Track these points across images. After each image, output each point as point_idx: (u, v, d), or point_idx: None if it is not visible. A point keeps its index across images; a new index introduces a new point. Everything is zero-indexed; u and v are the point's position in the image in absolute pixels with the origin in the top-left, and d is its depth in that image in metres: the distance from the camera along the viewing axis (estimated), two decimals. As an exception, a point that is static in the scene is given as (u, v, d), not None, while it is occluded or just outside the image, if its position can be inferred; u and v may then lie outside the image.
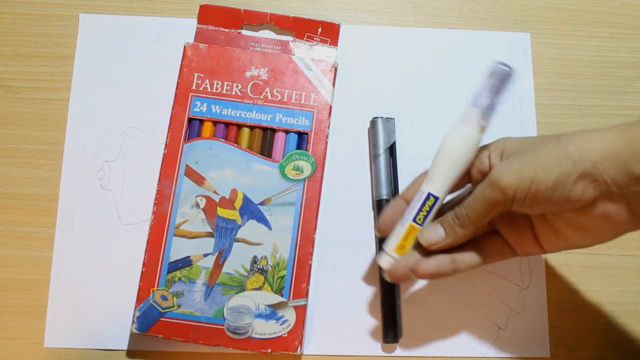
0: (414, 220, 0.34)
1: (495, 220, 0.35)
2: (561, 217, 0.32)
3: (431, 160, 0.34)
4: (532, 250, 0.34)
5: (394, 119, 0.42)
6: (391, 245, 0.35)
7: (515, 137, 0.34)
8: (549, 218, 0.33)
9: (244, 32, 0.43)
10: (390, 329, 0.39)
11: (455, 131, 0.33)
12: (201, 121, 0.41)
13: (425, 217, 0.34)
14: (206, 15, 0.43)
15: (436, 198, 0.34)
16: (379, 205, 0.41)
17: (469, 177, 0.35)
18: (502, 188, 0.30)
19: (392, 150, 0.41)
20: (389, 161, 0.41)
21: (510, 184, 0.30)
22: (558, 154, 0.30)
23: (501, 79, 0.33)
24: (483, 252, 0.35)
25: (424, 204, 0.34)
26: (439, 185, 0.34)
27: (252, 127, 0.41)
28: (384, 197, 0.40)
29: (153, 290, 0.38)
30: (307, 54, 0.43)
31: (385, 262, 0.35)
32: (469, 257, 0.34)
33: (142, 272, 0.38)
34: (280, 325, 0.38)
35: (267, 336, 0.38)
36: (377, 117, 0.42)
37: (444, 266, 0.34)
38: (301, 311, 0.38)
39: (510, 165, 0.31)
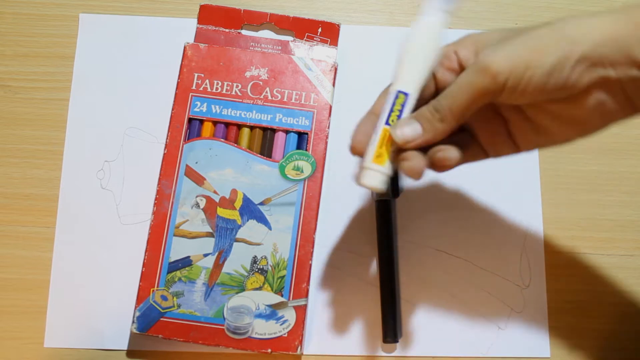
0: (387, 122, 0.30)
1: (468, 121, 0.31)
2: (544, 110, 0.29)
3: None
4: (505, 150, 0.32)
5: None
6: (368, 157, 0.30)
7: (491, 31, 0.30)
8: (528, 113, 0.30)
9: (244, 32, 0.43)
10: (390, 328, 0.39)
11: (416, 23, 0.30)
12: (201, 121, 0.41)
13: (399, 117, 0.30)
14: (206, 15, 0.43)
15: (406, 94, 0.30)
16: (379, 206, 0.41)
17: (435, 85, 0.31)
18: (494, 73, 0.27)
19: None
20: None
21: (503, 69, 0.27)
22: (555, 36, 0.27)
23: None
24: (453, 150, 0.31)
25: (394, 104, 0.30)
26: (406, 81, 0.30)
27: (252, 127, 0.41)
28: (384, 197, 0.40)
29: (153, 290, 0.38)
30: (307, 54, 0.43)
31: (367, 178, 0.30)
32: (444, 152, 0.30)
33: (142, 272, 0.38)
34: (280, 325, 0.38)
35: (267, 336, 0.38)
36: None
37: (421, 162, 0.30)
38: (301, 311, 0.38)
39: (503, 48, 0.27)
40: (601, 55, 0.27)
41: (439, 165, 0.30)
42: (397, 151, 0.30)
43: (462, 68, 0.30)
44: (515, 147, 0.31)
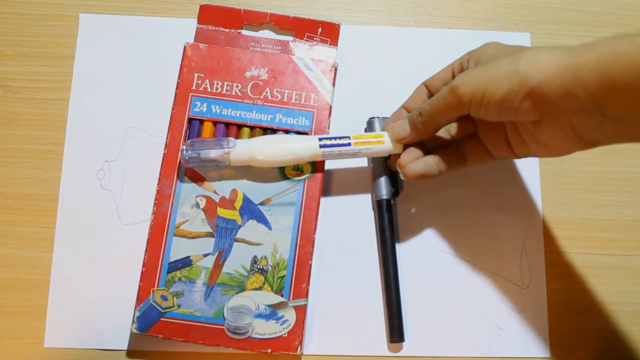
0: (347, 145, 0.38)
1: (477, 124, 0.37)
2: (522, 126, 0.33)
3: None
4: (506, 154, 0.36)
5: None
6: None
7: (498, 43, 0.35)
8: (516, 127, 0.34)
9: (244, 32, 0.43)
10: (396, 328, 0.39)
11: None
12: (201, 121, 0.41)
13: (338, 138, 0.38)
14: (206, 15, 0.43)
15: (321, 139, 0.37)
16: (379, 205, 0.41)
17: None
18: (459, 95, 0.32)
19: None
20: (388, 161, 0.41)
21: (465, 93, 0.32)
22: (509, 69, 0.30)
23: None
24: (465, 154, 0.37)
25: (332, 148, 0.38)
26: (309, 149, 0.38)
27: (252, 127, 0.41)
28: (384, 197, 0.40)
29: (153, 290, 0.38)
30: (307, 54, 0.43)
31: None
32: (452, 158, 0.37)
33: (142, 272, 0.38)
34: (280, 325, 0.38)
35: (267, 336, 0.38)
36: (373, 117, 0.42)
37: (430, 167, 0.36)
38: (301, 311, 0.38)
39: (470, 74, 0.32)
40: (545, 93, 0.29)
41: (408, 177, 0.37)
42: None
43: (453, 76, 0.36)
44: (513, 153, 0.35)
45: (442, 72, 0.38)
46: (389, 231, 0.40)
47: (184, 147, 0.36)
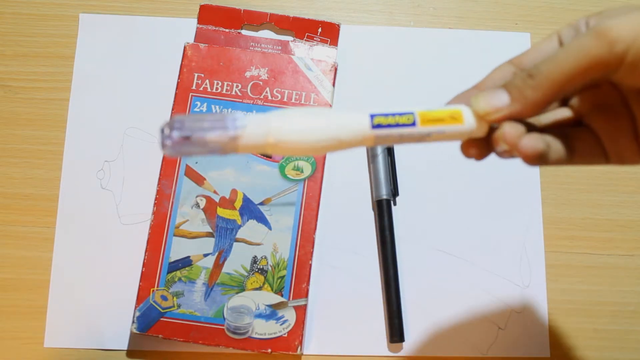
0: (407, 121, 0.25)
1: (585, 112, 0.27)
2: None
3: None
4: (629, 153, 0.26)
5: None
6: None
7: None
8: None
9: (244, 32, 0.43)
10: (396, 328, 0.39)
11: None
12: (201, 121, 0.41)
13: (397, 113, 0.25)
14: (206, 15, 0.43)
15: (374, 114, 0.25)
16: (379, 205, 0.41)
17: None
18: (612, 40, 0.22)
19: (390, 149, 0.41)
20: (388, 160, 0.41)
21: (624, 37, 0.22)
22: None
23: None
24: (571, 145, 0.26)
25: (387, 126, 0.25)
26: (358, 125, 0.25)
27: (252, 127, 0.41)
28: (384, 196, 0.40)
29: (153, 290, 0.38)
30: (307, 54, 0.43)
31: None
32: (558, 146, 0.25)
33: (142, 272, 0.38)
34: (280, 325, 0.38)
35: (267, 336, 0.38)
36: (377, 117, 0.41)
37: (550, 146, 0.25)
38: (301, 311, 0.38)
39: (628, 15, 0.22)
40: None
41: (525, 155, 0.24)
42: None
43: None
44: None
45: (539, 45, 0.27)
46: (389, 231, 0.40)
47: (166, 125, 0.23)
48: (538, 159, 0.24)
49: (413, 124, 0.25)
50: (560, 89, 0.23)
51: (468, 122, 0.25)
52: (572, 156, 0.26)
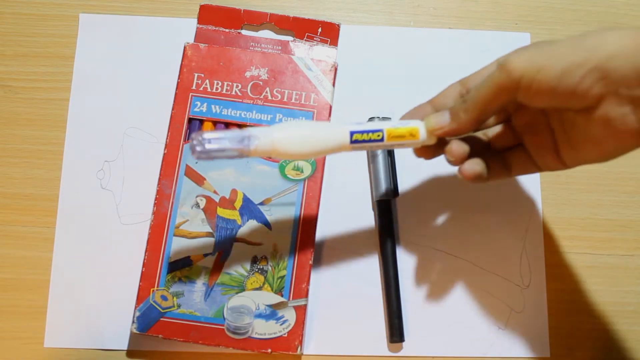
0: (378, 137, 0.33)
1: (520, 131, 0.34)
2: (565, 120, 0.31)
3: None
4: (553, 164, 0.33)
5: (390, 118, 0.42)
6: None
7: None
8: (565, 126, 0.31)
9: (244, 32, 0.43)
10: (396, 328, 0.39)
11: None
12: (201, 121, 0.41)
13: (371, 128, 0.33)
14: (206, 15, 0.43)
15: (353, 126, 0.33)
16: (379, 206, 0.41)
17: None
18: (509, 70, 0.29)
19: (390, 149, 0.41)
20: (388, 160, 0.41)
21: (518, 67, 0.29)
22: (573, 45, 0.28)
23: None
24: (509, 164, 0.34)
25: (362, 139, 0.33)
26: (338, 136, 0.33)
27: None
28: (384, 197, 0.40)
29: (153, 290, 0.38)
30: (307, 54, 0.43)
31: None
32: (497, 167, 0.34)
33: (142, 272, 0.38)
34: (280, 325, 0.38)
35: (267, 336, 0.38)
36: (373, 117, 0.42)
37: (483, 169, 0.33)
38: (301, 311, 0.38)
39: (523, 51, 0.29)
40: (614, 68, 0.27)
41: (466, 176, 0.33)
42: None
43: None
44: (562, 162, 0.33)
45: (483, 69, 0.35)
46: (389, 231, 0.40)
47: (196, 140, 0.31)
48: (476, 179, 0.33)
49: (382, 139, 0.33)
50: (484, 110, 0.31)
51: (422, 136, 0.33)
52: (510, 171, 0.34)
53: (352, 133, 0.32)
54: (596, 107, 0.28)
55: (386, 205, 0.40)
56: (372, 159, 0.42)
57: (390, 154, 0.41)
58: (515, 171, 0.35)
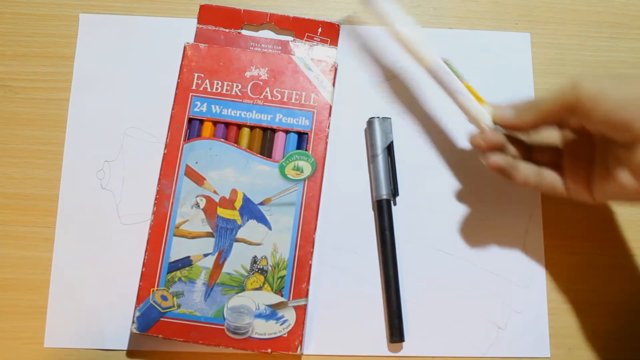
0: (460, 82, 0.38)
1: (564, 151, 0.37)
2: (614, 155, 0.33)
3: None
4: (581, 192, 0.36)
5: (390, 118, 0.42)
6: (474, 107, 0.37)
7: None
8: (607, 158, 0.34)
9: (244, 32, 0.43)
10: (396, 328, 0.39)
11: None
12: (201, 121, 0.41)
13: (460, 73, 0.38)
14: (206, 15, 0.43)
15: (448, 60, 0.38)
16: (379, 205, 0.41)
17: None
18: (579, 89, 0.32)
19: (390, 149, 0.41)
20: (388, 161, 0.41)
21: (587, 89, 0.32)
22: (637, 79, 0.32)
23: None
24: (540, 175, 0.37)
25: (451, 70, 0.38)
26: (435, 52, 0.38)
27: (252, 127, 0.41)
28: (384, 197, 0.40)
29: (153, 290, 0.38)
30: (307, 54, 0.43)
31: (496, 110, 0.37)
32: (529, 170, 0.37)
33: (142, 272, 0.38)
34: (280, 325, 0.38)
35: (267, 336, 0.38)
36: (373, 117, 0.42)
37: (508, 162, 0.36)
38: (301, 311, 0.38)
39: (596, 77, 0.32)
40: None
41: (487, 163, 0.36)
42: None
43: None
44: (590, 192, 0.36)
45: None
46: (389, 231, 0.40)
47: None
48: (498, 171, 0.36)
49: (461, 80, 0.37)
50: (544, 118, 0.34)
51: (486, 115, 0.37)
52: (540, 185, 0.37)
53: (444, 60, 0.38)
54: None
55: (386, 205, 0.40)
56: (372, 159, 0.42)
57: (390, 154, 0.41)
58: (545, 186, 0.37)
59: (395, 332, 0.39)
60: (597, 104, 0.32)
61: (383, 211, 0.40)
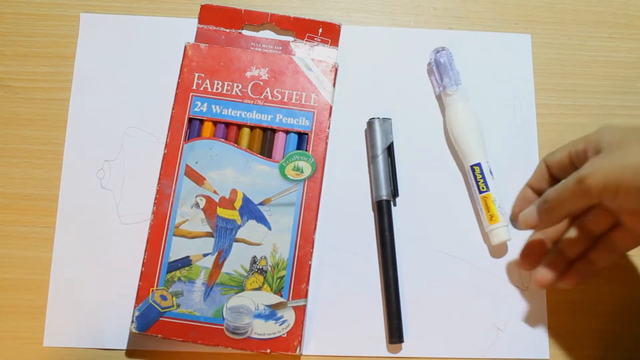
0: (480, 192, 0.40)
1: (617, 212, 0.35)
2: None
3: (453, 142, 0.41)
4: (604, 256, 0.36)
5: (390, 119, 0.42)
6: (485, 223, 0.40)
7: (614, 127, 0.33)
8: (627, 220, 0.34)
9: (244, 32, 0.43)
10: (396, 329, 0.39)
11: (457, 109, 0.41)
12: (201, 121, 0.41)
13: (485, 182, 0.40)
14: (207, 15, 0.43)
15: (478, 164, 0.40)
16: (379, 206, 0.41)
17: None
18: (587, 186, 0.31)
19: (390, 150, 0.41)
20: (388, 161, 0.41)
21: (595, 184, 0.31)
22: None
23: (446, 61, 0.42)
24: (615, 245, 0.36)
25: (475, 176, 0.40)
26: (473, 155, 0.40)
27: (252, 127, 0.41)
28: (384, 197, 0.40)
29: (152, 290, 0.38)
30: (307, 54, 0.43)
31: (495, 237, 0.40)
32: (604, 255, 0.36)
33: (141, 271, 0.38)
34: (280, 325, 0.38)
35: (266, 336, 0.38)
36: (374, 118, 0.42)
37: (547, 277, 0.37)
38: (300, 311, 0.38)
39: (599, 164, 0.31)
40: None
41: (535, 281, 0.37)
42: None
43: (570, 160, 0.36)
44: (612, 249, 0.36)
45: (559, 152, 0.36)
46: (389, 232, 0.40)
47: None
48: (543, 286, 0.38)
49: (479, 192, 0.41)
50: (564, 212, 0.34)
51: (493, 231, 0.40)
52: (620, 252, 0.37)
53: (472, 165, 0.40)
54: None
55: (386, 205, 0.40)
56: (372, 159, 0.42)
57: (390, 155, 0.41)
58: (624, 250, 0.37)
59: (395, 332, 0.39)
60: (620, 193, 0.30)
61: (383, 212, 0.40)
